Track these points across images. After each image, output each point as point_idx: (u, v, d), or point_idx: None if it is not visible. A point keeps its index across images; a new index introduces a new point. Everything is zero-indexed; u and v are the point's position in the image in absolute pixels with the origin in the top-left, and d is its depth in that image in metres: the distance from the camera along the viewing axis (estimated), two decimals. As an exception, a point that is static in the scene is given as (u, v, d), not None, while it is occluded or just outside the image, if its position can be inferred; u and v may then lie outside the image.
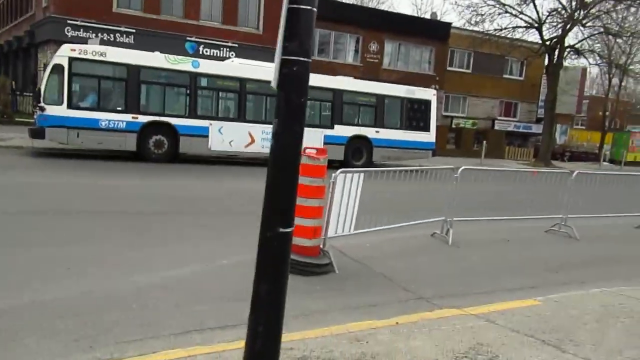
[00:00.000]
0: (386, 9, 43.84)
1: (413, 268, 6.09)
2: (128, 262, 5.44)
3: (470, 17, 27.20)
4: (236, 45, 23.33)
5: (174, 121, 14.15)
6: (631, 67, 36.54)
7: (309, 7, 2.50)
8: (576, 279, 6.12)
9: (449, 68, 34.95)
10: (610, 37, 29.58)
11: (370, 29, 30.04)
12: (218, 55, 22.61)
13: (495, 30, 27.80)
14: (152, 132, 13.93)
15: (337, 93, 16.68)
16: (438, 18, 37.65)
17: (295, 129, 2.63)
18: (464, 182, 7.75)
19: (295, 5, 2.49)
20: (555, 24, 28.04)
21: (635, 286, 5.70)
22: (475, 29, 27.97)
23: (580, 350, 3.72)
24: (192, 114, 14.42)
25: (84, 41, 15.71)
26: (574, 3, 27.04)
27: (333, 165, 16.92)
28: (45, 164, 12.63)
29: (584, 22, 27.64)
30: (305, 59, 2.57)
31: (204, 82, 14.64)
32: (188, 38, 22.46)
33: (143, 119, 13.77)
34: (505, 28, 27.68)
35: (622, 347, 3.83)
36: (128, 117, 13.61)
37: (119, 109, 13.66)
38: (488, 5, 26.93)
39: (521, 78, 38.73)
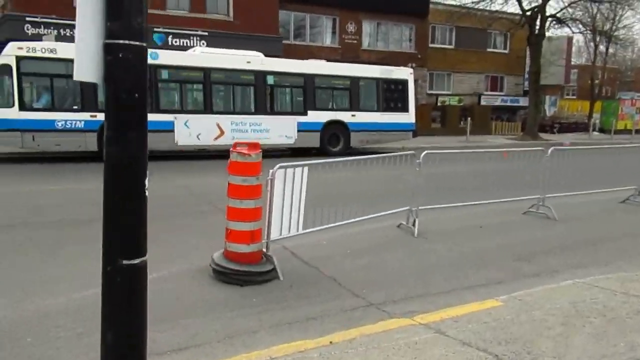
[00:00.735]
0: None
1: (370, 267, 5.53)
2: (31, 282, 4.83)
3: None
4: (206, 33, 22.48)
5: (135, 117, 13.44)
6: (616, 33, 35.90)
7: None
8: (549, 269, 5.57)
9: (431, 45, 34.19)
10: (593, 4, 28.89)
11: (347, 9, 29.20)
12: (188, 45, 21.77)
13: (472, 2, 27.01)
14: (112, 130, 13.23)
15: (308, 78, 16.02)
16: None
17: (129, 135, 2.01)
18: (431, 166, 7.18)
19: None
20: (535, -8, 27.30)
21: (611, 273, 5.15)
22: (453, 2, 27.22)
23: (538, 367, 3.17)
24: (155, 109, 13.73)
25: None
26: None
27: (311, 153, 16.59)
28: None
29: (564, -11, 26.92)
30: (138, 43, 1.96)
31: (165, 74, 13.95)
32: (155, 29, 21.59)
33: (102, 117, 13.02)
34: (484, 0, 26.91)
35: (589, 358, 3.28)
36: (86, 115, 12.93)
37: (75, 108, 12.98)
38: (466, -24, 26.14)
39: (506, 51, 38.07)
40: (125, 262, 2.05)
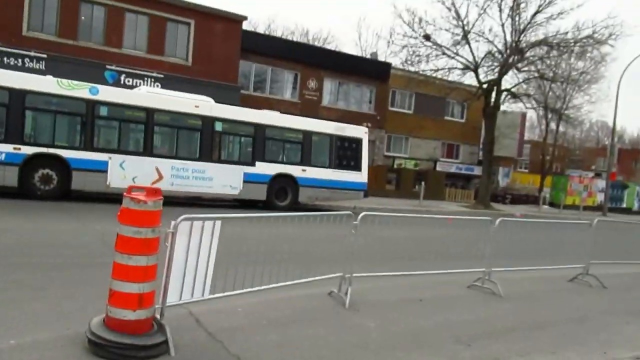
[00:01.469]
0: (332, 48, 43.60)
1: (284, 344, 4.67)
2: None
3: (407, 58, 26.93)
4: (162, 75, 21.87)
5: (65, 154, 12.44)
6: (567, 112, 37.38)
7: None
8: (490, 355, 4.87)
9: (390, 108, 34.63)
10: (545, 82, 30.01)
11: (309, 65, 29.34)
12: (141, 85, 21.06)
13: (431, 70, 27.60)
14: (38, 165, 12.15)
15: (259, 128, 15.44)
16: (380, 59, 37.53)
17: None
18: (371, 228, 6.50)
19: None
20: (491, 66, 28.18)
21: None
22: (412, 69, 27.72)
23: None
24: (88, 146, 12.75)
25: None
26: (508, 48, 27.27)
27: (257, 206, 15.78)
28: None
29: (519, 66, 27.87)
30: None
31: (103, 110, 13.07)
32: (108, 66, 20.85)
33: (27, 150, 12.00)
34: (442, 69, 27.53)
35: None
36: (9, 147, 11.82)
37: (-2, 138, 11.87)
38: (425, 46, 26.75)
39: (462, 120, 38.94)
40: None
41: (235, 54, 24.55)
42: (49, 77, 12.55)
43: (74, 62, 19.68)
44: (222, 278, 4.90)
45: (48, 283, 5.75)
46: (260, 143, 15.54)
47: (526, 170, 57.27)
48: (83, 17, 21.27)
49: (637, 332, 6.35)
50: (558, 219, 23.08)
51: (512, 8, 26.57)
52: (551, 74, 29.02)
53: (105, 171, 12.91)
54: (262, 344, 4.59)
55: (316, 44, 45.95)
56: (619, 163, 46.84)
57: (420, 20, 26.57)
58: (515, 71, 28.33)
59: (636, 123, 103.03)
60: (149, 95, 14.14)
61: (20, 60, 19.22)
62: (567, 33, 26.89)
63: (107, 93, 13.21)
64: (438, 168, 36.65)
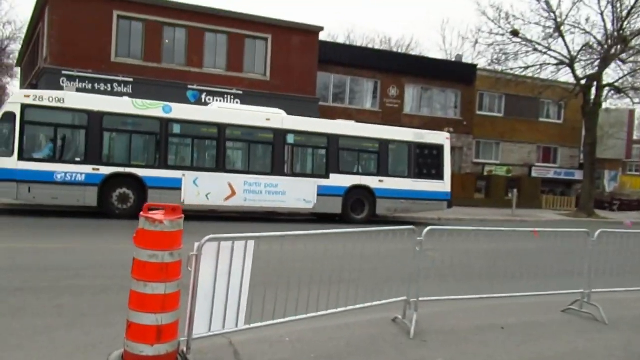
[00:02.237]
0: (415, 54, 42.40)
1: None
2: None
3: (494, 56, 25.28)
4: (241, 92, 22.13)
5: (141, 172, 12.65)
6: (683, 106, 33.36)
7: None
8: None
9: (478, 112, 32.85)
10: (656, 73, 26.88)
11: (389, 72, 28.54)
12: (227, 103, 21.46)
13: (521, 68, 25.66)
14: (115, 185, 12.44)
15: (332, 138, 14.91)
16: (465, 61, 35.85)
17: None
18: (441, 244, 5.68)
19: None
20: (590, 60, 25.71)
21: None
22: (499, 68, 25.97)
23: None
24: (163, 164, 12.89)
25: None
26: (609, 38, 24.76)
27: (334, 220, 15.21)
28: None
29: (622, 57, 25.19)
30: None
31: (176, 128, 13.19)
32: (190, 86, 21.44)
33: (105, 170, 12.33)
34: (533, 66, 25.50)
35: None
36: (88, 168, 12.21)
37: (77, 160, 12.29)
38: (514, 42, 24.96)
39: (560, 121, 36.11)
40: None
41: (312, 66, 24.38)
42: (125, 98, 12.89)
43: (158, 83, 20.44)
44: (262, 303, 4.33)
45: (90, 308, 5.50)
46: (334, 154, 15.01)
47: (638, 174, 52.06)
48: (167, 41, 22.09)
49: None
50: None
51: (612, -7, 24.14)
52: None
53: (180, 188, 12.98)
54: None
55: (399, 51, 44.95)
56: None
57: (507, 15, 24.89)
58: (619, 63, 25.65)
59: None
60: (220, 110, 14.13)
61: (109, 85, 20.24)
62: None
63: (180, 111, 13.34)
64: (533, 174, 34.13)
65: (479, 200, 27.40)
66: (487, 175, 31.60)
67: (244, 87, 22.59)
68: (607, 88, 26.53)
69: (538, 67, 25.65)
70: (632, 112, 39.16)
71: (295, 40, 23.91)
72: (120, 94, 19.44)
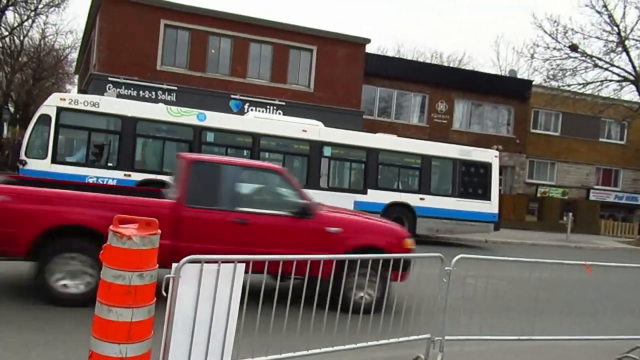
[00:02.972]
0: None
1: None
2: None
3: (550, 72, 23.95)
4: (284, 103, 21.85)
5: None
6: None
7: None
8: None
9: (532, 130, 31.29)
10: None
11: (438, 87, 27.58)
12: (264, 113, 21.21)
13: (580, 85, 24.17)
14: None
15: (371, 152, 14.24)
16: (520, 77, 34.38)
17: None
18: (472, 275, 4.96)
19: None
20: (658, 76, 23.95)
21: None
22: (556, 84, 24.57)
23: None
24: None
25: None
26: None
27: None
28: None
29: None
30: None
31: (210, 137, 12.89)
32: (232, 96, 21.35)
33: (136, 176, 12.15)
34: (593, 82, 23.96)
35: None
36: (119, 174, 12.06)
37: (110, 165, 12.18)
38: (572, 57, 23.59)
39: (622, 142, 33.95)
40: None
41: (358, 79, 23.84)
42: (160, 105, 12.76)
43: (202, 92, 20.44)
44: (253, 336, 3.75)
45: (75, 327, 5.06)
46: (373, 169, 14.33)
47: None
48: (212, 50, 22.14)
49: None
50: None
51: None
52: None
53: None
54: None
55: (451, 65, 43.78)
56: None
57: (565, 28, 23.57)
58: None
59: None
60: (256, 120, 13.79)
61: (154, 92, 20.39)
62: None
63: (214, 119, 13.06)
64: (591, 197, 32.08)
65: (530, 222, 25.89)
66: (540, 197, 29.94)
67: (288, 98, 22.31)
68: (675, 107, 24.64)
69: (599, 83, 24.13)
70: None
71: (341, 52, 23.47)
72: (165, 102, 19.54)
